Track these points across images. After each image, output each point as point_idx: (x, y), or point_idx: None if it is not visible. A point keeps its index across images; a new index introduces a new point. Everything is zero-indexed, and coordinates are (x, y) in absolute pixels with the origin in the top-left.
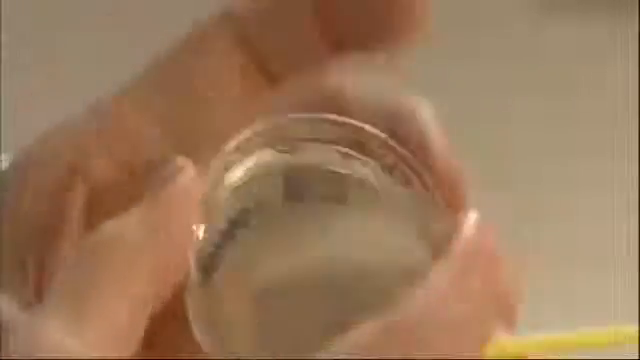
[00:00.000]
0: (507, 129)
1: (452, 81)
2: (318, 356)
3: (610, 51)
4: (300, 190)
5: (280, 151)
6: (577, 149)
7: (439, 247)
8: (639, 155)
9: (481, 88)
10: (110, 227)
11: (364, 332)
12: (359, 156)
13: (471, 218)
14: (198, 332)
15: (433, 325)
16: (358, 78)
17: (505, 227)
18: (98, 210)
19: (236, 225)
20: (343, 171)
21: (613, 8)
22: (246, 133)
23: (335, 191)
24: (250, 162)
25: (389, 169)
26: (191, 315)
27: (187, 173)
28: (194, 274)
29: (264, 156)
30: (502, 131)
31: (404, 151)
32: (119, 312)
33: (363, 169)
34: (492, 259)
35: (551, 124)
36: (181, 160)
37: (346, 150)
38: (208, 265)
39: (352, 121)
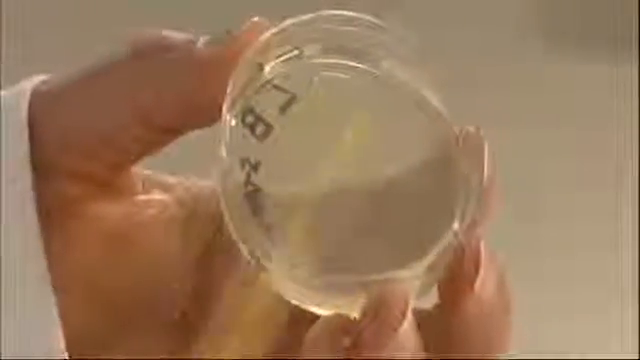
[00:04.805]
0: (508, 160)
1: (457, 110)
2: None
3: (610, 86)
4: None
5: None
6: (578, 180)
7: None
8: (639, 187)
9: (483, 118)
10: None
11: None
12: None
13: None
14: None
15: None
16: None
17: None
18: None
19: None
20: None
21: (613, 46)
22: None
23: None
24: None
25: None
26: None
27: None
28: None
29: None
30: (502, 161)
31: None
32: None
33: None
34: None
35: (552, 156)
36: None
37: None
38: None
39: None
